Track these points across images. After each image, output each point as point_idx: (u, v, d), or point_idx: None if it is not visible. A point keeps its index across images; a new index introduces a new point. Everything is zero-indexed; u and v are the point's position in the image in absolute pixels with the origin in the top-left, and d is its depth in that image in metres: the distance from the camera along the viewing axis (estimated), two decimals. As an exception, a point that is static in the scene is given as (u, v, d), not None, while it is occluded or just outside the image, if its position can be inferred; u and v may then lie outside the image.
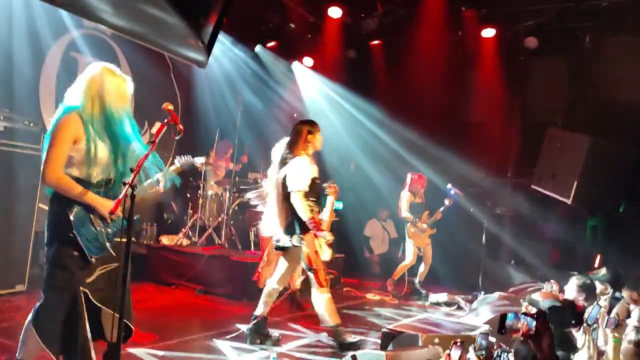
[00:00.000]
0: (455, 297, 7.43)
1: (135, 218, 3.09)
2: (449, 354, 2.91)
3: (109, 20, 1.91)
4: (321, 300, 4.64)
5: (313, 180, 4.57)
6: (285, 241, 4.63)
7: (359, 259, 9.67)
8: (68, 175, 2.88)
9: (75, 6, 1.94)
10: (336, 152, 9.55)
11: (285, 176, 4.56)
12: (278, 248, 4.75)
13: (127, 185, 2.59)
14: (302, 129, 4.69)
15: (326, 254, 4.60)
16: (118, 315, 2.96)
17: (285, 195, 4.56)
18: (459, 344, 2.91)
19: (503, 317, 2.63)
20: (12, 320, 4.65)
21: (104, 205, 2.87)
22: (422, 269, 7.91)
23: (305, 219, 4.45)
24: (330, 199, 4.82)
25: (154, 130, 2.85)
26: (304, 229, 4.53)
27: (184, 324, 5.34)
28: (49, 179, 2.83)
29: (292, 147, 4.64)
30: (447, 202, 7.82)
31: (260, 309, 4.76)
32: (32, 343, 2.90)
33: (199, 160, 3.62)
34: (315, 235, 4.53)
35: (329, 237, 4.59)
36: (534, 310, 3.74)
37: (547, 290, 5.39)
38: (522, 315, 2.59)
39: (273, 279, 4.85)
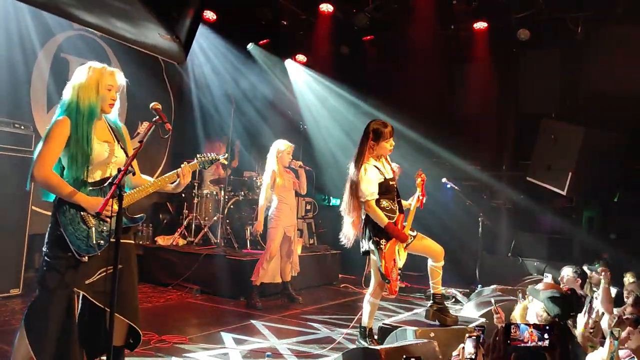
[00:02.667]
0: (452, 291, 7.43)
1: (139, 216, 3.10)
2: (463, 347, 2.87)
3: (80, 17, 1.90)
4: (369, 303, 4.58)
5: (385, 181, 4.46)
6: (365, 246, 4.51)
7: (356, 255, 9.65)
8: (67, 176, 2.91)
9: (49, 5, 1.93)
10: (330, 148, 9.55)
11: (355, 183, 4.44)
12: (364, 254, 4.59)
13: (114, 185, 2.58)
14: (367, 132, 4.54)
15: (402, 260, 4.47)
16: (124, 319, 3.00)
17: (357, 201, 4.44)
18: (473, 336, 2.86)
19: (508, 326, 2.62)
20: (8, 325, 4.64)
21: (92, 205, 2.87)
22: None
23: (382, 225, 4.34)
24: (417, 192, 4.71)
25: (141, 130, 2.84)
26: (380, 233, 4.39)
27: (182, 323, 5.34)
28: (37, 176, 2.86)
29: (359, 153, 4.53)
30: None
31: (364, 321, 4.64)
32: (24, 346, 2.89)
33: (223, 156, 3.53)
34: (395, 241, 4.38)
35: (409, 238, 4.45)
36: (537, 309, 3.72)
37: (545, 281, 5.40)
38: (531, 327, 2.57)
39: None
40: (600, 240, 8.15)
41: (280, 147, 6.35)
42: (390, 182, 4.53)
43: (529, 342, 2.56)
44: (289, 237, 6.47)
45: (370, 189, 4.37)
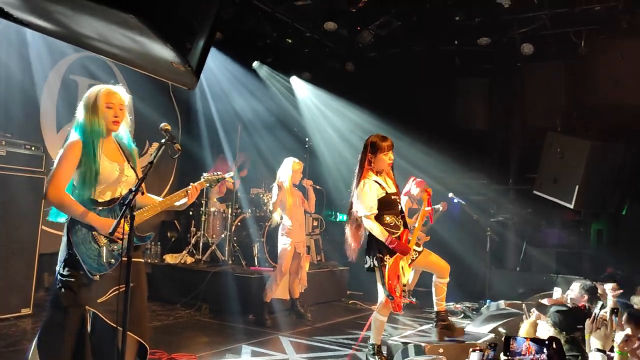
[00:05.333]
0: (462, 306, 7.40)
1: (148, 234, 3.14)
2: None
3: (96, 46, 1.96)
4: (377, 320, 4.59)
5: (387, 196, 4.48)
6: (369, 262, 4.52)
7: (364, 271, 9.64)
8: (78, 195, 2.96)
9: (64, 34, 1.99)
10: (336, 164, 9.59)
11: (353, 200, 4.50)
12: (368, 270, 4.59)
13: (126, 206, 2.62)
14: (366, 145, 4.59)
15: (407, 276, 4.46)
16: (135, 337, 3.00)
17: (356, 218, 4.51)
18: (478, 350, 2.88)
19: (507, 339, 2.63)
20: (19, 344, 4.66)
21: (104, 225, 2.91)
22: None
23: (383, 239, 4.34)
24: (423, 205, 4.72)
25: (152, 150, 2.90)
26: (383, 249, 4.39)
27: (190, 341, 5.35)
28: (50, 197, 2.92)
29: (359, 167, 4.58)
30: (440, 207, 7.72)
31: (373, 338, 4.64)
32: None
33: (228, 175, 3.59)
34: (399, 257, 4.37)
35: (414, 254, 4.46)
36: (544, 326, 3.72)
37: (554, 296, 5.39)
38: (527, 340, 2.58)
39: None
40: (610, 254, 8.12)
41: (293, 165, 6.39)
42: (392, 197, 4.52)
43: (527, 354, 2.56)
44: (298, 253, 6.50)
45: (368, 204, 4.38)
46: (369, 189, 4.42)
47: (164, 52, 1.64)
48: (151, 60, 1.90)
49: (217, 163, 8.24)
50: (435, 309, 4.69)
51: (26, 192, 5.44)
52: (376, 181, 4.48)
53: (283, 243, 6.38)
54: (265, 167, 8.98)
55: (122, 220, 2.68)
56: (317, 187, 6.83)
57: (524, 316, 5.06)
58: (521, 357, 2.60)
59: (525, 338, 2.64)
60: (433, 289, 4.70)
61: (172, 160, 8.36)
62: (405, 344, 4.49)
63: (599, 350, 2.76)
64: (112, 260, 2.96)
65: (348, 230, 4.65)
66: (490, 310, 6.06)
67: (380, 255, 4.37)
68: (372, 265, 4.49)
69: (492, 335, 4.82)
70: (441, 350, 4.12)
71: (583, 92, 8.48)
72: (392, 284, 4.30)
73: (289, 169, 6.35)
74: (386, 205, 4.46)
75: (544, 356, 2.55)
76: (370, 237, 4.48)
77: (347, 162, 9.83)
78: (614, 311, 2.90)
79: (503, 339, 2.74)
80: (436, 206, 7.62)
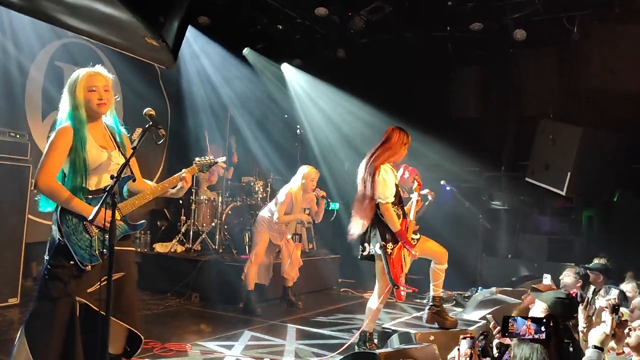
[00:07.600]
0: (454, 293, 7.40)
1: (140, 222, 3.08)
2: (459, 349, 2.86)
3: (68, 23, 1.89)
4: (373, 309, 4.54)
5: (396, 187, 4.51)
6: (370, 249, 4.49)
7: (356, 259, 9.61)
8: (68, 183, 2.91)
9: (34, 10, 1.91)
10: (329, 152, 9.53)
11: (368, 184, 4.45)
12: (363, 258, 4.59)
13: (106, 193, 2.55)
14: (391, 135, 4.55)
15: (407, 265, 4.49)
16: (126, 325, 2.99)
17: (369, 204, 4.45)
18: (468, 337, 2.86)
19: (506, 319, 2.60)
20: (6, 334, 4.60)
21: (88, 212, 2.84)
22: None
23: (395, 230, 4.36)
24: (414, 196, 4.72)
25: (136, 136, 2.82)
26: (388, 238, 4.39)
27: (181, 330, 5.31)
28: (40, 185, 2.86)
29: (379, 152, 4.52)
30: (429, 197, 7.63)
31: (365, 326, 4.60)
32: (24, 354, 2.84)
33: (221, 160, 3.53)
34: (402, 247, 4.40)
35: (413, 242, 4.47)
36: (538, 310, 3.69)
37: (545, 283, 5.38)
38: (528, 320, 2.56)
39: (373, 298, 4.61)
40: (601, 240, 8.13)
41: (309, 174, 6.42)
42: (399, 188, 4.58)
43: (526, 334, 2.54)
44: (275, 245, 6.47)
45: (390, 191, 4.40)
46: (391, 177, 4.44)
47: (137, 26, 1.57)
48: (126, 36, 1.83)
49: (209, 152, 8.16)
50: (431, 294, 4.69)
51: (11, 181, 5.35)
52: (392, 170, 4.51)
53: (256, 230, 6.42)
54: (256, 155, 8.91)
55: (104, 208, 2.62)
56: (328, 199, 6.81)
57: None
58: (521, 337, 2.58)
59: (526, 318, 2.61)
60: (430, 274, 4.71)
61: (160, 146, 8.35)
62: (396, 331, 4.47)
63: (596, 347, 2.73)
64: (105, 250, 2.90)
65: (358, 217, 4.49)
66: (482, 297, 6.05)
67: (384, 244, 4.36)
68: (370, 253, 4.46)
69: (483, 322, 4.80)
70: (432, 338, 4.10)
71: (576, 78, 8.43)
72: (397, 273, 4.30)
73: (302, 177, 6.40)
74: (395, 195, 4.47)
75: (542, 335, 2.53)
76: (375, 224, 4.45)
77: (338, 149, 9.79)
78: (615, 309, 2.87)
79: (501, 319, 2.71)
80: (423, 192, 7.53)
